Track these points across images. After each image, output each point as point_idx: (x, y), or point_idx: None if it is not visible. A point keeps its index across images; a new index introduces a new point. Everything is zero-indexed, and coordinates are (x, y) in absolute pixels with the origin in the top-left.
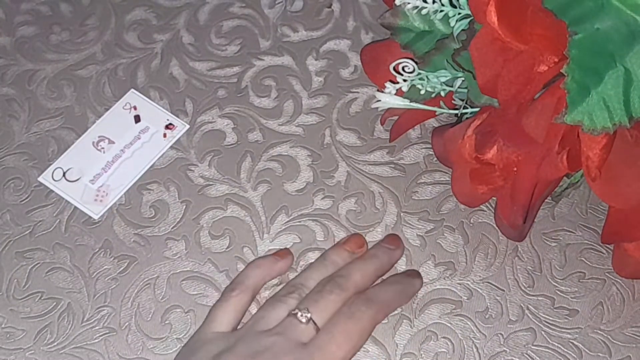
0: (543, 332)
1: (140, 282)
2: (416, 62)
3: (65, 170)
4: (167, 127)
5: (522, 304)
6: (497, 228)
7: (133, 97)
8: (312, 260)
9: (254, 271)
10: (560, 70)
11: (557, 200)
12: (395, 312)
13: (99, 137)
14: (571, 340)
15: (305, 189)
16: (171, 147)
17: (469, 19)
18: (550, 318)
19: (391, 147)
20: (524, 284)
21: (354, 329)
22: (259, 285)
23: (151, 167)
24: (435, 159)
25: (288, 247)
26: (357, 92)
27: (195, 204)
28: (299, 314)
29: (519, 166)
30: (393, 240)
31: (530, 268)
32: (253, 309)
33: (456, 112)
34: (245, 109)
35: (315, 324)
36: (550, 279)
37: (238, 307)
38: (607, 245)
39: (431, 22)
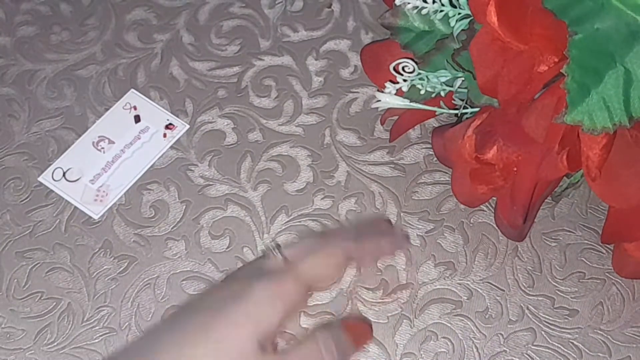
0: (543, 332)
1: (140, 282)
2: (416, 62)
3: (65, 170)
4: (167, 127)
5: (522, 304)
6: (497, 228)
7: (133, 97)
8: None
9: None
10: (560, 70)
11: (557, 200)
12: (395, 311)
13: (99, 137)
14: (571, 340)
15: (305, 189)
16: (171, 147)
17: (469, 19)
18: (550, 318)
19: (391, 147)
20: (524, 284)
21: (321, 252)
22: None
23: (151, 167)
24: (435, 159)
25: None
26: (357, 92)
27: (195, 204)
28: (269, 250)
29: (519, 166)
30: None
31: (530, 268)
32: None
33: (456, 112)
34: (245, 109)
35: (284, 255)
36: (550, 279)
37: None
38: (607, 245)
39: (431, 22)
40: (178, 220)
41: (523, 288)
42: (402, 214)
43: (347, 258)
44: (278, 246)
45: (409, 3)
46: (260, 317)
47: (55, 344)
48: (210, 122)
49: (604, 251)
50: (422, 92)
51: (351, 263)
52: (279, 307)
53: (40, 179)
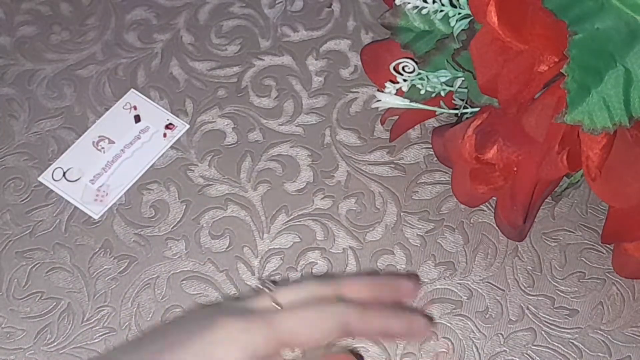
0: (543, 332)
1: (140, 282)
2: (416, 62)
3: (65, 170)
4: (167, 127)
5: (522, 304)
6: (497, 228)
7: (133, 97)
8: (312, 260)
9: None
10: (561, 70)
11: (557, 200)
12: None
13: (99, 137)
14: (571, 340)
15: (305, 189)
16: (171, 147)
17: (469, 19)
18: (550, 318)
19: (391, 147)
20: (524, 284)
21: (312, 308)
22: None
23: (151, 167)
24: (435, 158)
25: (288, 246)
26: (357, 92)
27: (195, 203)
28: (263, 288)
29: (519, 166)
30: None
31: (530, 268)
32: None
33: (456, 112)
34: (245, 109)
35: (278, 303)
36: (550, 279)
37: None
38: (607, 245)
39: (431, 22)
40: (178, 220)
41: (523, 288)
42: (402, 214)
43: (344, 329)
44: (273, 284)
45: (409, 3)
46: (214, 359)
47: (55, 343)
48: (210, 122)
49: (604, 251)
50: (422, 92)
51: (346, 335)
52: (234, 354)
53: (40, 178)
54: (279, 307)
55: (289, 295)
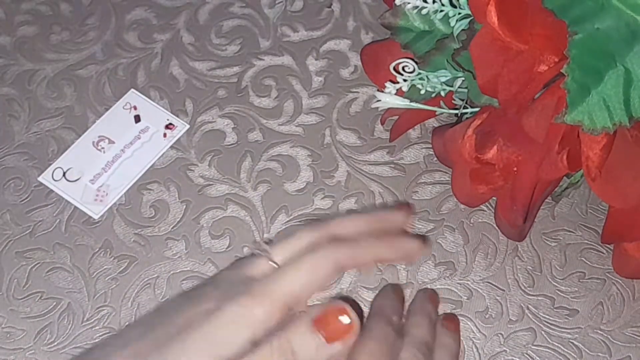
0: (543, 332)
1: (140, 282)
2: (416, 62)
3: (65, 170)
4: (167, 127)
5: (522, 304)
6: (497, 228)
7: (133, 97)
8: None
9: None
10: (561, 70)
11: (557, 200)
12: None
13: (99, 137)
14: (571, 340)
15: (306, 189)
16: (171, 147)
17: (469, 19)
18: (551, 318)
19: (391, 147)
20: (524, 284)
21: (306, 260)
22: None
23: (151, 167)
24: (435, 158)
25: None
26: (357, 92)
27: (195, 203)
28: (257, 250)
29: (519, 166)
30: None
31: (530, 268)
32: None
33: (456, 112)
34: (245, 109)
35: (274, 262)
36: (550, 279)
37: None
38: (607, 245)
39: (431, 22)
40: (178, 220)
41: (523, 288)
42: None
43: (337, 268)
44: (269, 243)
45: (409, 3)
46: (221, 344)
47: (55, 343)
48: (210, 122)
49: (604, 251)
50: (422, 92)
51: (341, 272)
52: (244, 334)
53: (40, 178)
54: (276, 266)
55: (284, 251)
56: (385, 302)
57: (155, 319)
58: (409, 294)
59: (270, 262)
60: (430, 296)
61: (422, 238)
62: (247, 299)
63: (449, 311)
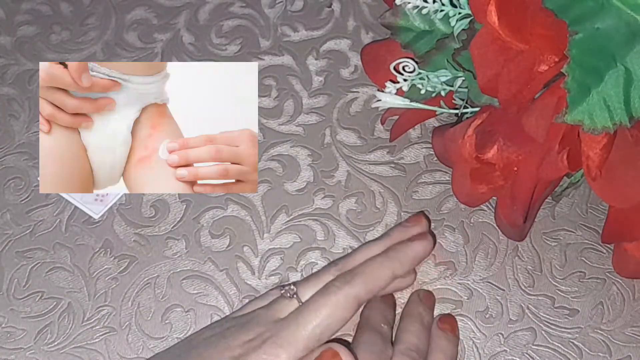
0: (543, 332)
1: (141, 282)
2: (416, 62)
3: None
4: None
5: (522, 304)
6: (497, 228)
7: None
8: (312, 260)
9: None
10: (561, 70)
11: (558, 200)
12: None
13: None
14: (571, 340)
15: (306, 189)
16: None
17: (469, 19)
18: (551, 318)
19: (391, 147)
20: (524, 284)
21: (324, 303)
22: None
23: None
24: (436, 158)
25: (288, 246)
26: (358, 92)
27: (195, 203)
28: (284, 290)
29: (519, 166)
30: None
31: (530, 268)
32: None
33: (456, 111)
34: None
35: (299, 299)
36: (550, 279)
37: None
38: (607, 245)
39: (431, 22)
40: (178, 219)
41: (523, 288)
42: (402, 214)
43: (358, 306)
44: (294, 284)
45: (409, 3)
46: None
47: (55, 343)
48: None
49: (604, 251)
50: (423, 91)
51: (362, 304)
52: None
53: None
54: (301, 303)
55: (309, 291)
56: (372, 312)
57: (182, 353)
58: (408, 294)
59: (297, 302)
60: (425, 297)
61: (426, 235)
62: (273, 348)
63: (448, 311)
